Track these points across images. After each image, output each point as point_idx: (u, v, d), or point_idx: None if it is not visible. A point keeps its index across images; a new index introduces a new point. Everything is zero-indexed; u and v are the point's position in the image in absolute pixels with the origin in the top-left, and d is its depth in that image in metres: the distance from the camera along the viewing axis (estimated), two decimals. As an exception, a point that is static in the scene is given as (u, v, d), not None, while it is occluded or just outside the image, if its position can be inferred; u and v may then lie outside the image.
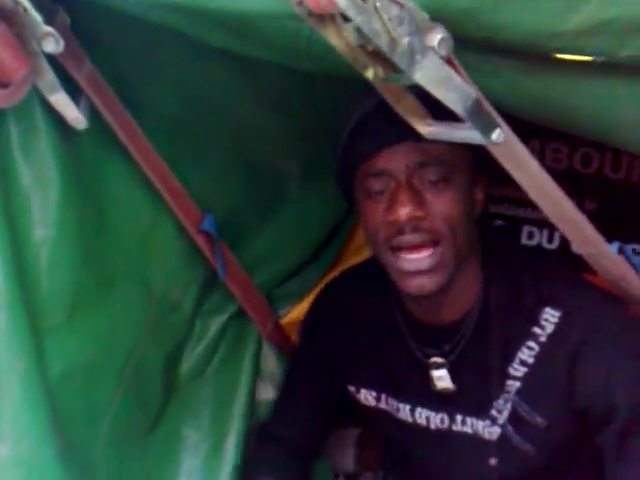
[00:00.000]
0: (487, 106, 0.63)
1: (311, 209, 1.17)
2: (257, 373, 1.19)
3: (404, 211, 0.83)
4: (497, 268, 0.91)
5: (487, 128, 0.64)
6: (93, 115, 0.89)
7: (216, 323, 1.14)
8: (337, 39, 0.63)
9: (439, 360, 0.94)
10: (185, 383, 1.13)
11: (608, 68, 0.72)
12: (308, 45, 0.75)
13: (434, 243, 0.84)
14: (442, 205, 0.84)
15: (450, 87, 0.61)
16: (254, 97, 1.06)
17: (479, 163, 0.87)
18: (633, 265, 0.81)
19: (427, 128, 0.70)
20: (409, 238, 0.84)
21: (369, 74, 0.67)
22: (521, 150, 0.70)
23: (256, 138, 1.10)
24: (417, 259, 0.84)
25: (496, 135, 0.64)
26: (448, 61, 0.61)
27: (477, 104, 0.62)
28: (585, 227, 0.77)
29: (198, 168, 1.06)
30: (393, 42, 0.58)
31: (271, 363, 1.21)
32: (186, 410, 1.13)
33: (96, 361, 0.95)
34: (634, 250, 0.98)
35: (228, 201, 1.10)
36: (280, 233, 1.18)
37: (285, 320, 1.23)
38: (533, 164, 0.71)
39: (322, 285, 1.18)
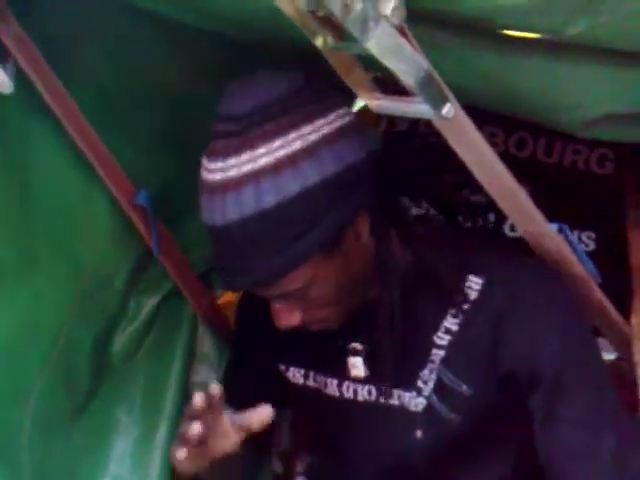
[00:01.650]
0: (438, 79, 0.63)
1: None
2: (192, 354, 1.16)
3: (281, 325, 0.87)
4: (393, 261, 0.90)
5: (437, 102, 0.63)
6: (20, 80, 0.84)
7: (150, 302, 1.11)
8: (287, 3, 0.61)
9: (357, 346, 0.95)
10: (117, 364, 1.10)
11: (553, 48, 0.72)
12: (253, 12, 0.73)
13: (323, 320, 0.89)
14: (316, 304, 0.86)
15: (402, 58, 0.60)
16: (191, 69, 1.03)
17: (342, 234, 0.83)
18: (572, 244, 0.83)
19: (375, 102, 0.69)
20: (300, 329, 0.89)
21: (318, 42, 0.65)
22: (468, 125, 0.69)
23: (192, 112, 1.06)
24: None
25: (446, 109, 0.63)
26: (400, 31, 0.60)
27: (428, 76, 0.62)
28: (527, 205, 0.78)
29: (131, 141, 1.02)
30: (346, 8, 0.56)
31: (206, 344, 1.18)
32: (117, 392, 1.10)
33: (20, 339, 0.92)
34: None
35: (163, 177, 1.07)
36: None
37: (221, 300, 1.20)
38: (479, 140, 0.71)
39: None
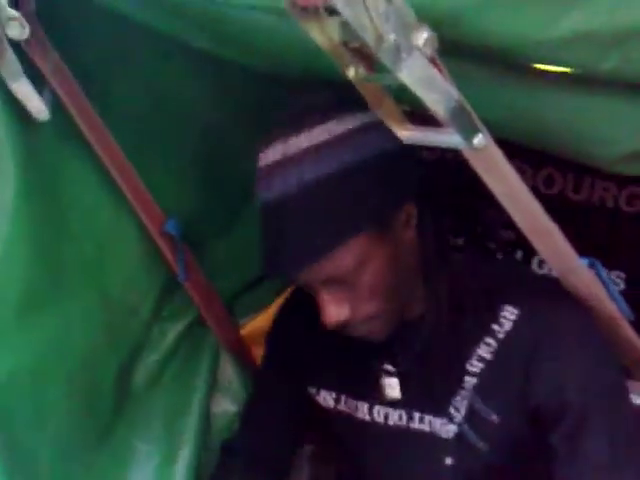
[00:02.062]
0: (469, 109, 0.63)
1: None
2: (214, 384, 1.16)
3: (331, 320, 0.85)
4: (440, 276, 0.91)
5: (469, 133, 0.63)
6: (56, 108, 0.85)
7: (174, 330, 1.10)
8: (320, 34, 0.62)
9: (390, 369, 0.95)
10: (139, 392, 1.08)
11: (585, 82, 0.72)
12: (286, 45, 0.74)
13: (371, 320, 0.87)
14: (365, 293, 0.84)
15: (434, 88, 0.60)
16: (223, 102, 1.05)
17: (391, 216, 0.84)
18: (603, 281, 0.81)
19: (406, 133, 0.69)
20: (347, 331, 0.88)
21: (350, 73, 0.66)
22: (499, 157, 0.69)
23: (223, 142, 1.08)
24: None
25: (478, 140, 0.63)
26: (432, 61, 0.60)
27: (460, 107, 0.62)
28: (558, 240, 0.77)
29: (162, 170, 1.03)
30: (380, 38, 0.57)
31: (229, 374, 1.17)
32: (138, 421, 1.08)
33: (45, 364, 0.91)
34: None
35: (191, 205, 1.08)
36: (243, 241, 1.15)
37: (245, 330, 1.20)
38: (510, 172, 0.70)
39: (287, 293, 1.15)
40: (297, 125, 0.82)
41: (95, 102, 0.91)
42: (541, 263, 1.25)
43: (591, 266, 0.81)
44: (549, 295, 0.89)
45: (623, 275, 1.24)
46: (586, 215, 1.24)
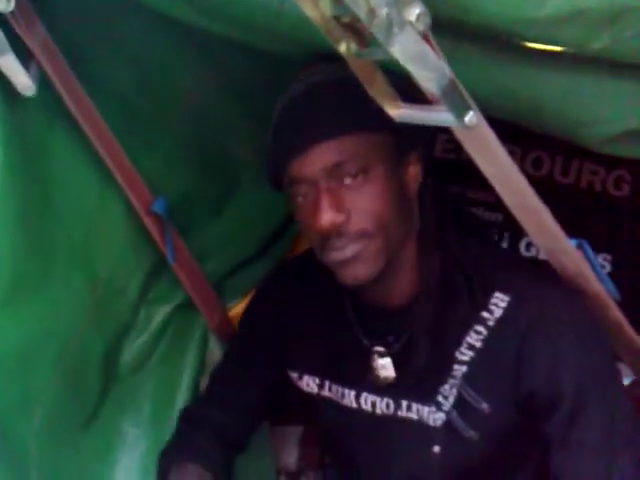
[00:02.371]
0: (461, 87, 0.62)
1: (265, 200, 1.14)
2: (202, 367, 1.15)
3: (325, 220, 0.82)
4: (434, 253, 0.90)
5: (460, 110, 0.63)
6: (42, 84, 0.84)
7: (161, 312, 1.10)
8: (312, 8, 0.61)
9: (382, 349, 0.93)
10: (126, 375, 1.08)
11: (577, 62, 0.72)
12: (277, 20, 0.73)
13: (360, 240, 0.84)
14: (365, 202, 0.83)
15: (426, 64, 0.60)
16: (211, 81, 1.04)
17: (404, 143, 0.86)
18: (591, 261, 0.82)
19: (397, 111, 0.69)
20: (336, 244, 0.84)
21: (342, 48, 0.65)
22: (490, 136, 0.69)
23: (211, 123, 1.07)
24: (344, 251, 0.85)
25: (469, 118, 0.63)
26: (424, 37, 0.60)
27: (452, 84, 0.61)
28: (547, 220, 0.77)
29: (150, 150, 1.02)
30: (372, 12, 0.56)
31: (217, 356, 1.16)
32: (126, 404, 1.08)
33: (32, 347, 0.90)
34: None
35: (179, 186, 1.07)
36: (232, 223, 1.15)
37: (233, 312, 1.19)
38: (501, 151, 0.70)
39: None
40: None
41: (82, 79, 0.90)
42: (529, 245, 1.26)
43: (579, 247, 0.81)
44: (540, 281, 0.88)
45: (609, 257, 1.25)
46: (574, 198, 1.25)
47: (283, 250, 1.23)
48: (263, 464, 1.21)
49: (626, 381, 1.18)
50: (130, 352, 1.08)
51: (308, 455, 1.30)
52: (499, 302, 0.87)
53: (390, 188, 0.84)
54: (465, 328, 0.89)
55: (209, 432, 1.03)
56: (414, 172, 0.88)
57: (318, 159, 0.83)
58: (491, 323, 0.87)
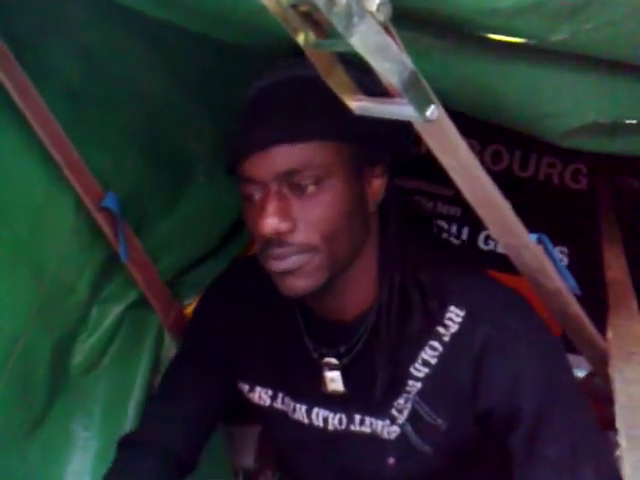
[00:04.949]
0: (423, 80, 0.61)
1: (219, 196, 1.11)
2: (156, 367, 1.12)
3: (269, 225, 0.78)
4: (396, 265, 0.87)
5: (422, 104, 0.61)
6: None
7: (114, 311, 1.07)
8: (268, -3, 0.59)
9: (333, 361, 0.90)
10: (76, 376, 1.05)
11: (537, 54, 0.71)
12: (233, 8, 0.71)
13: (303, 252, 0.80)
14: (314, 214, 0.79)
15: (387, 56, 0.58)
16: (163, 73, 1.01)
17: (369, 154, 0.82)
18: (551, 256, 0.81)
19: (357, 103, 0.67)
20: (277, 252, 0.80)
21: (300, 39, 0.62)
22: (451, 130, 0.67)
23: (163, 117, 1.04)
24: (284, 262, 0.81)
25: (430, 111, 0.61)
26: (385, 28, 0.58)
27: (414, 77, 0.59)
28: (508, 215, 0.76)
29: (99, 144, 0.98)
30: (330, 1, 0.54)
31: (172, 355, 1.13)
32: (76, 406, 1.05)
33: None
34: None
35: (130, 182, 1.03)
36: (186, 219, 1.12)
37: (189, 311, 1.16)
38: (462, 145, 0.69)
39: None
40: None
41: (28, 69, 0.86)
42: (487, 239, 1.26)
43: (539, 241, 0.80)
44: (495, 296, 0.87)
45: (566, 250, 1.26)
46: (532, 191, 1.26)
47: (240, 247, 1.20)
48: (220, 464, 1.19)
49: (583, 373, 1.20)
50: (81, 353, 1.05)
51: (266, 454, 1.28)
52: (454, 317, 0.85)
53: (345, 201, 0.80)
54: (420, 343, 0.86)
55: (155, 453, 0.96)
56: (378, 185, 0.84)
57: (270, 163, 0.78)
58: (446, 339, 0.85)
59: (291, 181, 0.79)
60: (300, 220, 0.79)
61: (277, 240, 0.79)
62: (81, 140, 0.93)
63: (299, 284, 0.81)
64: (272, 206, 0.78)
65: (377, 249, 0.88)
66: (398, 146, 0.85)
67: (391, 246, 0.87)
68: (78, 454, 1.04)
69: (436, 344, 0.86)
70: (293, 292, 0.82)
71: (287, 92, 0.80)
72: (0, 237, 0.89)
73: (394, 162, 0.86)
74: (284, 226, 0.78)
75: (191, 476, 1.02)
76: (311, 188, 0.79)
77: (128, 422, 1.07)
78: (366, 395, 0.89)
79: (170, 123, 1.04)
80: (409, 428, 0.88)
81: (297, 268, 0.80)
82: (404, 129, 0.80)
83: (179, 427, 0.98)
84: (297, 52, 0.67)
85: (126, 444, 0.98)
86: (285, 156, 0.78)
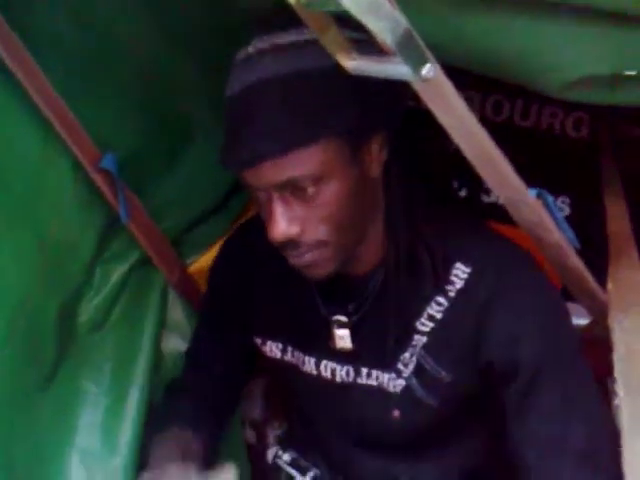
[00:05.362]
0: (418, 38, 0.59)
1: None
2: (163, 324, 1.14)
3: (279, 233, 0.80)
4: (403, 225, 0.88)
5: (417, 62, 0.60)
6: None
7: (118, 271, 1.07)
8: (258, -44, 0.57)
9: (342, 319, 0.92)
10: (84, 335, 1.06)
11: (534, 7, 0.70)
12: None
13: (315, 249, 0.82)
14: (318, 213, 0.80)
15: (380, 15, 0.57)
16: (160, 32, 0.99)
17: (363, 136, 0.81)
18: (551, 210, 0.81)
19: (351, 62, 0.66)
20: (291, 252, 0.83)
21: (292, -1, 0.61)
22: (448, 87, 0.67)
23: (161, 76, 1.02)
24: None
25: (426, 70, 0.60)
26: (378, -14, 0.56)
27: (408, 35, 0.58)
28: (506, 171, 0.75)
29: (96, 105, 0.97)
30: (321, -40, 0.53)
31: (178, 313, 1.15)
32: (85, 363, 1.07)
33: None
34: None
35: (129, 142, 1.02)
36: (186, 178, 1.12)
37: (193, 268, 1.18)
38: (459, 103, 0.68)
39: (230, 232, 1.12)
40: (286, 23, 0.77)
41: (19, 32, 0.85)
42: (489, 191, 1.26)
43: (539, 196, 0.80)
44: (501, 252, 0.88)
45: (568, 200, 1.25)
46: (534, 141, 1.24)
47: (242, 204, 1.21)
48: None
49: (584, 321, 1.21)
50: (87, 312, 1.06)
51: (273, 406, 1.31)
52: (460, 273, 0.87)
53: (349, 189, 0.80)
54: (427, 299, 0.88)
55: (195, 400, 1.03)
56: (377, 154, 0.83)
57: (267, 175, 0.78)
58: (452, 294, 0.87)
59: (292, 187, 0.79)
60: (307, 220, 0.80)
61: (289, 243, 0.81)
62: (76, 101, 0.92)
63: (321, 272, 0.85)
64: (278, 213, 0.80)
65: (384, 209, 0.89)
66: (392, 112, 0.84)
67: (396, 205, 0.88)
68: (89, 409, 1.06)
69: (442, 299, 0.87)
70: (316, 279, 0.86)
71: (270, 95, 0.76)
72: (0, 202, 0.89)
73: (392, 123, 0.85)
74: (293, 231, 0.80)
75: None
76: (311, 189, 0.79)
77: (138, 377, 1.08)
78: (374, 350, 0.91)
79: (166, 82, 1.03)
80: (414, 381, 0.90)
81: (315, 262, 0.83)
82: (398, 97, 0.81)
83: (214, 375, 1.05)
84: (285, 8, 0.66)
85: (172, 388, 1.07)
86: (278, 169, 0.77)
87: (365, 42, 0.66)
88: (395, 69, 0.62)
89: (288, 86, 0.75)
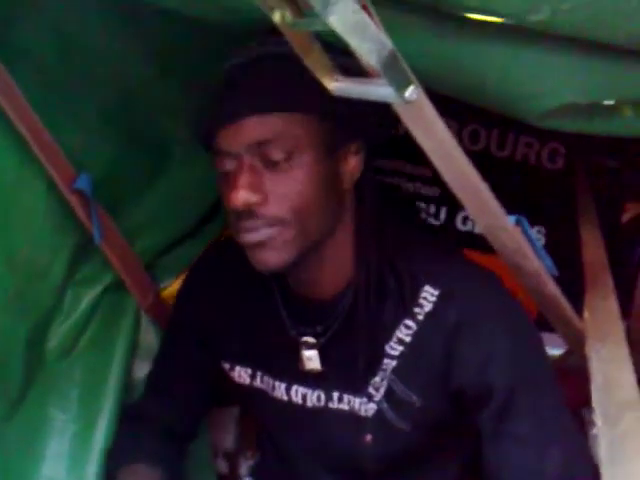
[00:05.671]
0: (402, 60, 0.60)
1: (198, 177, 1.10)
2: (134, 349, 1.11)
3: (240, 198, 0.79)
4: (372, 246, 0.88)
5: (401, 84, 0.60)
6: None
7: (89, 294, 1.05)
8: (244, -26, 0.57)
9: (310, 340, 0.91)
10: (52, 360, 1.03)
11: (515, 35, 0.71)
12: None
13: (273, 225, 0.81)
14: (285, 188, 0.80)
15: (365, 36, 0.57)
16: (138, 50, 0.98)
17: (343, 131, 0.83)
18: (529, 237, 0.81)
19: (335, 84, 0.66)
20: (247, 224, 0.81)
21: (276, 17, 0.61)
22: (430, 111, 0.67)
23: (138, 96, 1.01)
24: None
25: (409, 92, 0.60)
26: (363, 7, 0.57)
27: (393, 56, 0.58)
28: (486, 197, 0.76)
29: (72, 123, 0.96)
30: (308, -20, 0.53)
31: (151, 338, 1.12)
32: (52, 390, 1.04)
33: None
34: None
35: (105, 162, 1.01)
36: (163, 200, 1.10)
37: (167, 293, 1.15)
38: (440, 127, 0.69)
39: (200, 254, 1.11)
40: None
41: (-1, 51, 0.84)
42: (465, 219, 1.26)
43: (517, 223, 0.80)
44: (469, 276, 0.87)
45: (544, 230, 1.26)
46: (509, 171, 1.25)
47: (217, 230, 1.19)
48: (200, 445, 1.18)
49: (558, 351, 1.21)
50: (56, 337, 1.04)
51: (246, 435, 1.28)
52: (428, 296, 0.86)
53: (318, 177, 0.81)
54: (396, 322, 0.87)
55: (156, 429, 1.01)
56: (353, 163, 0.84)
57: (244, 133, 0.79)
58: (421, 317, 0.86)
59: (263, 153, 0.79)
60: (271, 193, 0.80)
61: (248, 212, 0.80)
62: (54, 120, 0.91)
63: (270, 258, 0.82)
64: (243, 179, 0.79)
65: (353, 228, 0.88)
66: (374, 124, 0.85)
67: (366, 226, 0.88)
68: (55, 438, 1.03)
69: (410, 323, 0.87)
70: (264, 266, 0.83)
71: (259, 68, 0.81)
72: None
73: (371, 141, 0.86)
74: (255, 198, 0.80)
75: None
76: (283, 163, 0.79)
77: (106, 405, 1.05)
78: (344, 373, 0.90)
79: (145, 103, 1.02)
80: (385, 405, 0.89)
81: (267, 240, 0.81)
82: (381, 108, 0.80)
83: (177, 403, 1.02)
84: (272, 31, 0.66)
85: (131, 416, 1.03)
86: (256, 126, 0.79)
87: (347, 65, 0.66)
88: (378, 91, 0.62)
89: (276, 63, 0.79)
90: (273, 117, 0.79)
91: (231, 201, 0.80)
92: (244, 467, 1.28)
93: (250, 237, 0.82)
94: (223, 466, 1.28)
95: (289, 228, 0.81)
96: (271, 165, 0.80)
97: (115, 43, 0.94)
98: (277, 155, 0.79)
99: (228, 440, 1.28)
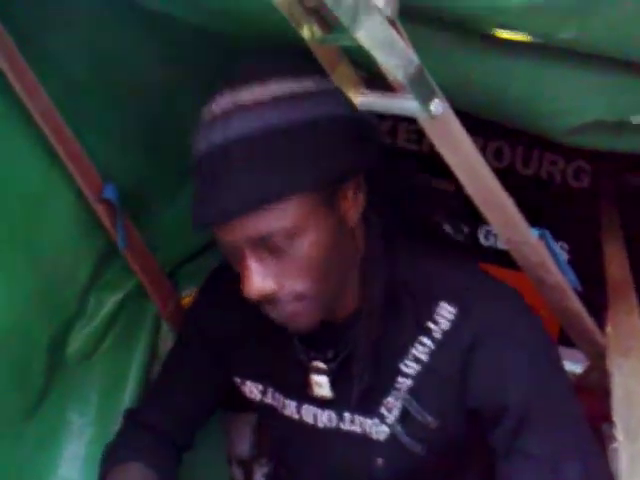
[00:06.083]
0: (428, 75, 0.60)
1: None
2: (153, 356, 1.12)
3: (253, 291, 0.76)
4: (380, 270, 0.85)
5: (427, 99, 0.60)
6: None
7: (112, 300, 1.06)
8: (274, -11, 0.58)
9: (320, 365, 0.89)
10: (73, 364, 1.05)
11: (542, 52, 0.71)
12: (237, 1, 0.70)
13: (295, 301, 0.79)
14: (294, 268, 0.76)
15: (393, 51, 0.57)
16: (168, 62, 1.00)
17: (339, 181, 0.78)
18: (553, 251, 0.81)
19: (360, 98, 0.66)
20: (268, 307, 0.80)
21: (305, 33, 0.62)
22: (455, 125, 0.67)
23: (168, 106, 1.03)
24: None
25: (434, 106, 0.61)
26: (392, 23, 0.57)
27: (419, 72, 0.59)
28: (510, 211, 0.76)
29: (101, 135, 0.98)
30: (337, -3, 0.53)
31: (169, 345, 1.12)
32: (71, 393, 1.05)
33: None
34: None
35: (131, 172, 1.03)
36: (186, 210, 1.11)
37: (187, 301, 1.16)
38: (466, 141, 0.69)
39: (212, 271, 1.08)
40: (249, 77, 0.75)
41: (30, 60, 0.85)
42: (488, 234, 1.26)
43: (541, 237, 0.80)
44: (487, 291, 0.85)
45: (567, 246, 1.25)
46: (534, 189, 1.25)
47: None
48: (214, 452, 1.19)
49: (580, 368, 1.20)
50: (78, 341, 1.05)
51: (262, 443, 1.28)
52: (446, 313, 0.83)
53: (326, 240, 0.77)
54: (411, 339, 0.85)
55: (153, 434, 0.99)
56: (355, 199, 0.80)
57: (239, 231, 0.74)
58: (437, 335, 0.84)
59: (264, 245, 0.75)
60: (282, 276, 0.77)
61: (266, 300, 0.78)
62: (83, 131, 0.93)
63: (301, 326, 0.81)
64: (252, 269, 0.76)
65: (362, 255, 0.86)
66: (363, 158, 0.81)
67: (375, 251, 0.85)
68: (73, 440, 1.05)
69: (426, 340, 0.84)
70: (299, 333, 0.84)
71: (237, 154, 0.73)
72: (-1, 225, 0.89)
73: (367, 169, 0.82)
74: (268, 287, 0.76)
75: (186, 463, 1.03)
76: (285, 245, 0.75)
77: (124, 408, 1.06)
78: (356, 394, 0.87)
79: (171, 115, 1.03)
80: (399, 429, 0.87)
81: (295, 314, 0.79)
82: (367, 142, 0.79)
83: (179, 414, 1.01)
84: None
85: (131, 420, 1.02)
86: (249, 225, 0.74)
87: (372, 80, 0.67)
88: (403, 105, 0.63)
89: (254, 145, 0.73)
90: (267, 212, 0.73)
91: (246, 293, 0.77)
92: (259, 474, 1.28)
93: (276, 315, 0.80)
94: (238, 473, 1.28)
95: (310, 300, 0.79)
96: (275, 250, 0.75)
97: (144, 58, 0.96)
98: (279, 243, 0.75)
99: (244, 447, 1.28)
